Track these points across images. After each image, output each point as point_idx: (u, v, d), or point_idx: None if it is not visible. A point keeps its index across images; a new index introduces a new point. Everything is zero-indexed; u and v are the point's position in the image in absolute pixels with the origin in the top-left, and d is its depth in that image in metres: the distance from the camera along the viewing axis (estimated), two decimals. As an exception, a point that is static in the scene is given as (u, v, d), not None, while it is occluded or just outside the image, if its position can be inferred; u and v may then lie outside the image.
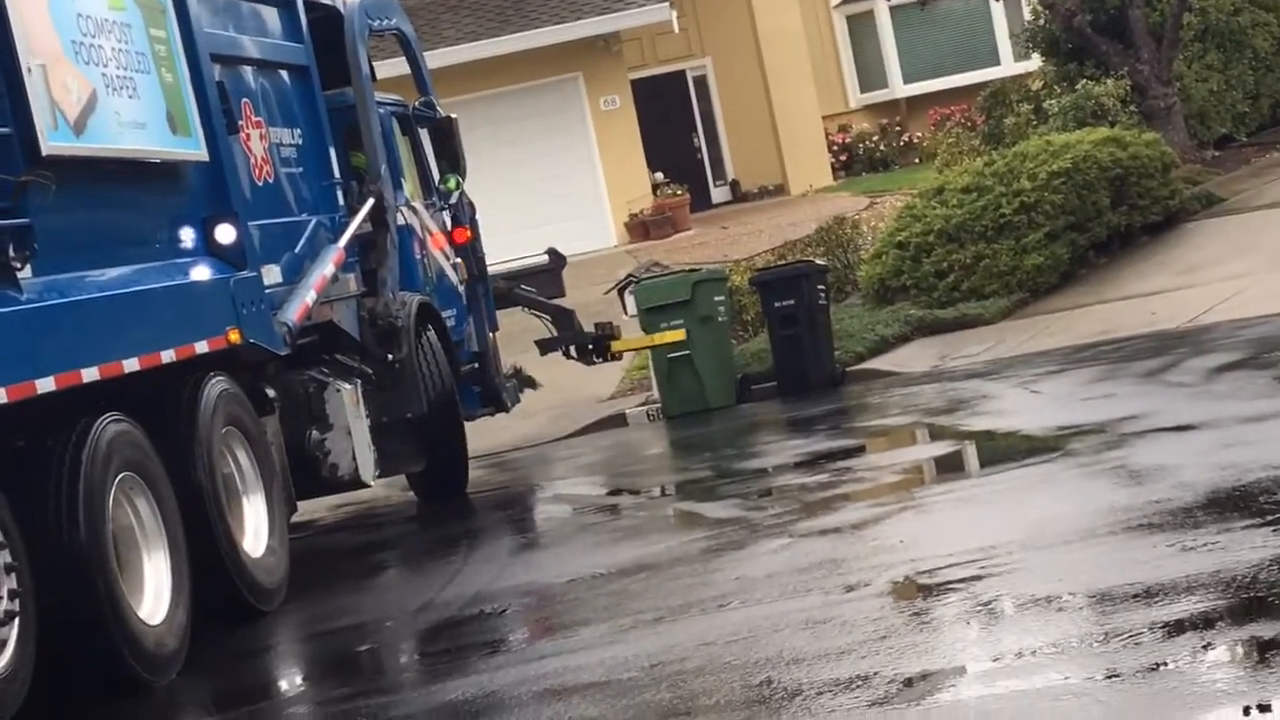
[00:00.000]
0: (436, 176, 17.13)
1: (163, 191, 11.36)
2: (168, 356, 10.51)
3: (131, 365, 10.02)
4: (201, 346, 11.05)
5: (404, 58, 17.52)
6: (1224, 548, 8.68)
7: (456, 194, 17.06)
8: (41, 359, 9.17)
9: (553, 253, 19.15)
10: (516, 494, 16.59)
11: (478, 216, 17.62)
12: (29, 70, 9.40)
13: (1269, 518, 9.18)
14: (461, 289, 17.11)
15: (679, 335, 19.12)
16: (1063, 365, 16.93)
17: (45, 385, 9.12)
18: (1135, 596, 8.04)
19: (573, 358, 19.29)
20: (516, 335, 19.39)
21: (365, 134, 15.08)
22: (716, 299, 19.51)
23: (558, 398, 19.79)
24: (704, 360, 19.16)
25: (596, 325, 19.31)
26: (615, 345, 19.24)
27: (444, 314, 16.16)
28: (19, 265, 9.18)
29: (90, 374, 9.54)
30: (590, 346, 19.16)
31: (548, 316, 19.07)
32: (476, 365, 17.10)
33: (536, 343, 19.25)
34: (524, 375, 18.33)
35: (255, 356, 12.10)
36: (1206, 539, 8.96)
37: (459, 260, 17.11)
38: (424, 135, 17.01)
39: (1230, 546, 8.68)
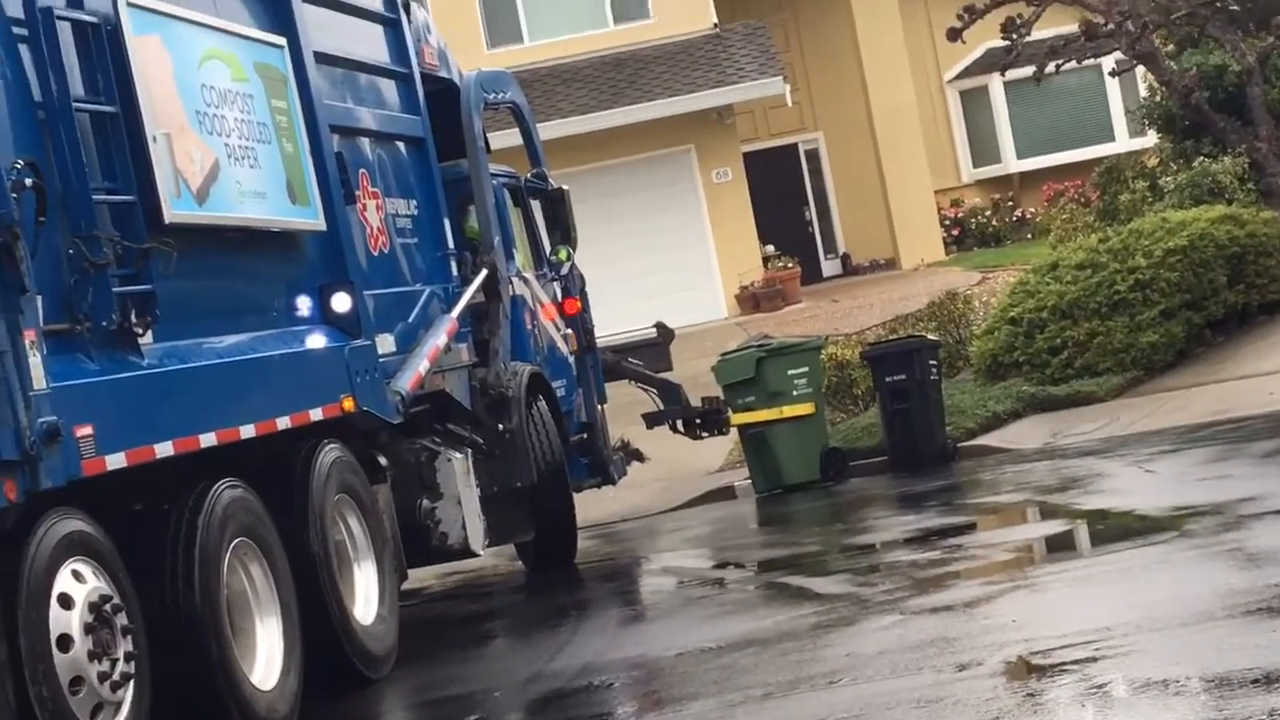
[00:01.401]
0: (548, 247, 17.23)
1: (281, 260, 11.47)
2: (283, 423, 10.61)
3: (248, 431, 10.13)
4: (316, 414, 11.13)
5: (517, 129, 17.67)
6: (1346, 634, 8.54)
7: (567, 265, 17.15)
8: (161, 424, 9.28)
9: (660, 327, 19.18)
10: (624, 565, 16.57)
11: (588, 288, 17.70)
12: (154, 139, 9.56)
13: (1396, 606, 9.03)
14: (571, 360, 17.17)
15: (807, 408, 19.00)
16: (1178, 444, 16.75)
17: (164, 450, 9.23)
18: (1255, 682, 7.91)
19: (679, 432, 19.28)
20: (624, 408, 19.39)
21: (479, 205, 15.21)
22: (792, 372, 19.33)
23: (665, 470, 19.78)
24: (779, 435, 19.08)
25: (704, 399, 19.31)
26: (734, 418, 19.19)
27: (554, 384, 16.22)
28: (141, 331, 9.30)
29: (208, 439, 9.66)
30: (697, 421, 19.15)
31: (655, 390, 19.09)
32: (585, 436, 17.13)
33: (644, 416, 19.27)
34: (631, 449, 18.35)
35: (368, 424, 12.16)
36: (1330, 627, 8.81)
37: (569, 331, 17.19)
38: (536, 206, 17.12)
39: (1357, 636, 8.53)
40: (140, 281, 9.35)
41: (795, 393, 19.16)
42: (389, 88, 14.25)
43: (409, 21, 14.70)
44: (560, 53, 32.30)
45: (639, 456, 18.42)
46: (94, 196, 9.12)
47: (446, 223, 14.56)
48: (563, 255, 17.06)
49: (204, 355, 10.05)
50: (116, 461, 8.81)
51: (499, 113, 17.83)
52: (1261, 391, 18.49)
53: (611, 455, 17.49)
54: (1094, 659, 8.90)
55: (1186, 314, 20.77)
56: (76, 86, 9.26)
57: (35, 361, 8.25)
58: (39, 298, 8.49)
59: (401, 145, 14.20)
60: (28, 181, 8.36)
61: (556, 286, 17.16)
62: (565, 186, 17.44)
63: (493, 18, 32.75)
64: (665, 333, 19.10)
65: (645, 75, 31.86)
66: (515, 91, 17.18)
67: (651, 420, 19.23)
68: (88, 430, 8.58)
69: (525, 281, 16.33)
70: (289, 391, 10.90)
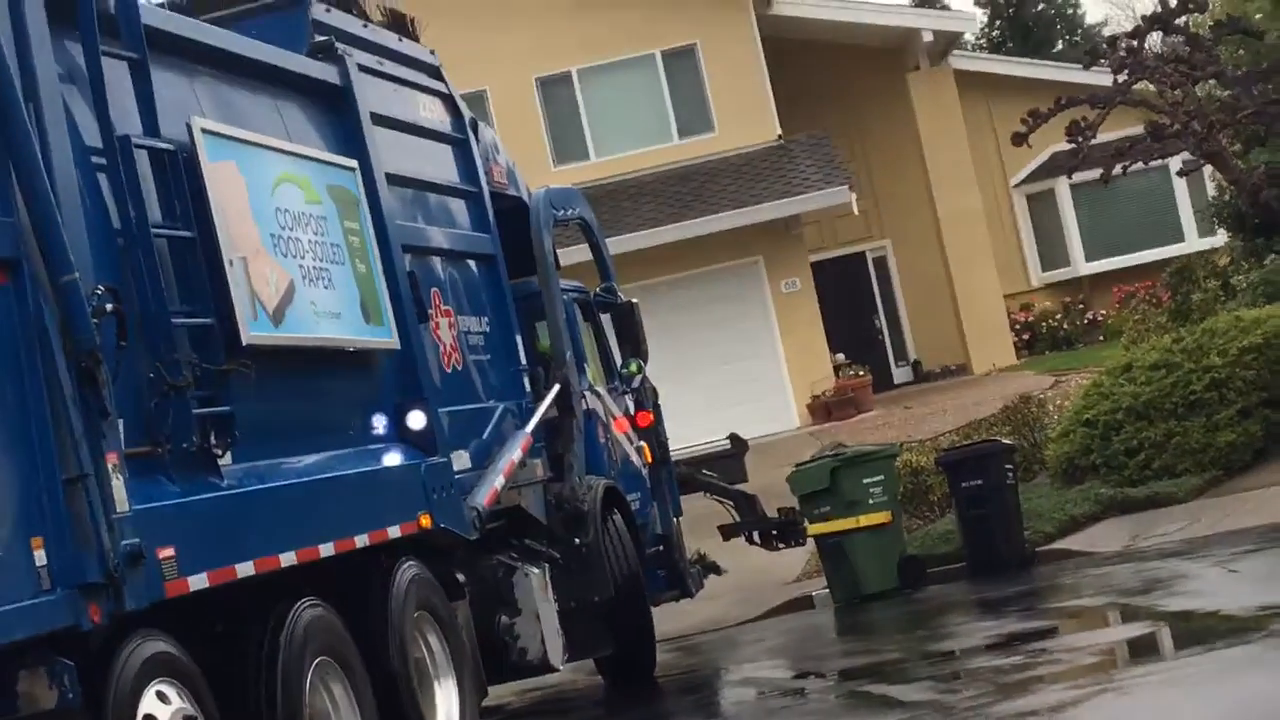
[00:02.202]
0: (619, 361, 17.29)
1: (356, 379, 11.55)
2: (361, 541, 10.64)
3: (327, 550, 10.16)
4: (394, 531, 11.17)
5: (586, 245, 17.77)
6: None
7: (639, 378, 17.20)
8: (241, 544, 9.34)
9: (734, 438, 19.18)
10: (704, 677, 16.51)
11: (660, 400, 17.73)
12: (230, 263, 9.67)
13: None
14: (645, 473, 17.18)
15: (883, 517, 18.95)
16: (1260, 544, 16.57)
17: (245, 570, 9.27)
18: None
19: (755, 543, 19.22)
20: (700, 519, 19.38)
21: (550, 321, 15.30)
22: (868, 480, 19.27)
23: (742, 580, 19.71)
24: (856, 544, 18.98)
25: (780, 510, 19.26)
26: (811, 529, 19.14)
27: (629, 498, 16.22)
28: (220, 452, 9.39)
29: (288, 559, 9.70)
30: (774, 532, 19.10)
31: (730, 502, 19.07)
32: (661, 549, 17.09)
33: (720, 528, 19.24)
34: (708, 561, 18.32)
35: (446, 541, 12.18)
36: None
37: (642, 444, 17.21)
38: (606, 320, 17.20)
39: None
40: (219, 403, 9.45)
41: (871, 501, 19.07)
42: (459, 206, 14.39)
43: (477, 141, 14.87)
44: (626, 168, 32.54)
45: (716, 569, 18.39)
46: (173, 320, 9.25)
47: (518, 339, 14.65)
48: (634, 369, 17.12)
49: (282, 475, 10.12)
50: (199, 582, 8.86)
51: (568, 228, 17.95)
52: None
53: (688, 568, 17.46)
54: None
55: (1264, 412, 20.59)
56: (154, 212, 9.39)
57: (118, 484, 8.33)
58: (120, 421, 8.58)
59: (472, 263, 14.30)
60: (108, 307, 8.48)
61: (629, 400, 17.20)
62: (635, 300, 17.52)
63: (559, 136, 33.05)
64: (739, 444, 19.11)
65: (711, 188, 32.01)
66: (583, 207, 17.31)
67: (728, 532, 19.21)
68: (170, 552, 8.64)
69: (598, 396, 16.39)
70: (367, 509, 10.94)
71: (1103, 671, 12.31)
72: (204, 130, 9.80)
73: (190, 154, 9.71)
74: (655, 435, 17.46)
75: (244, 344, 9.69)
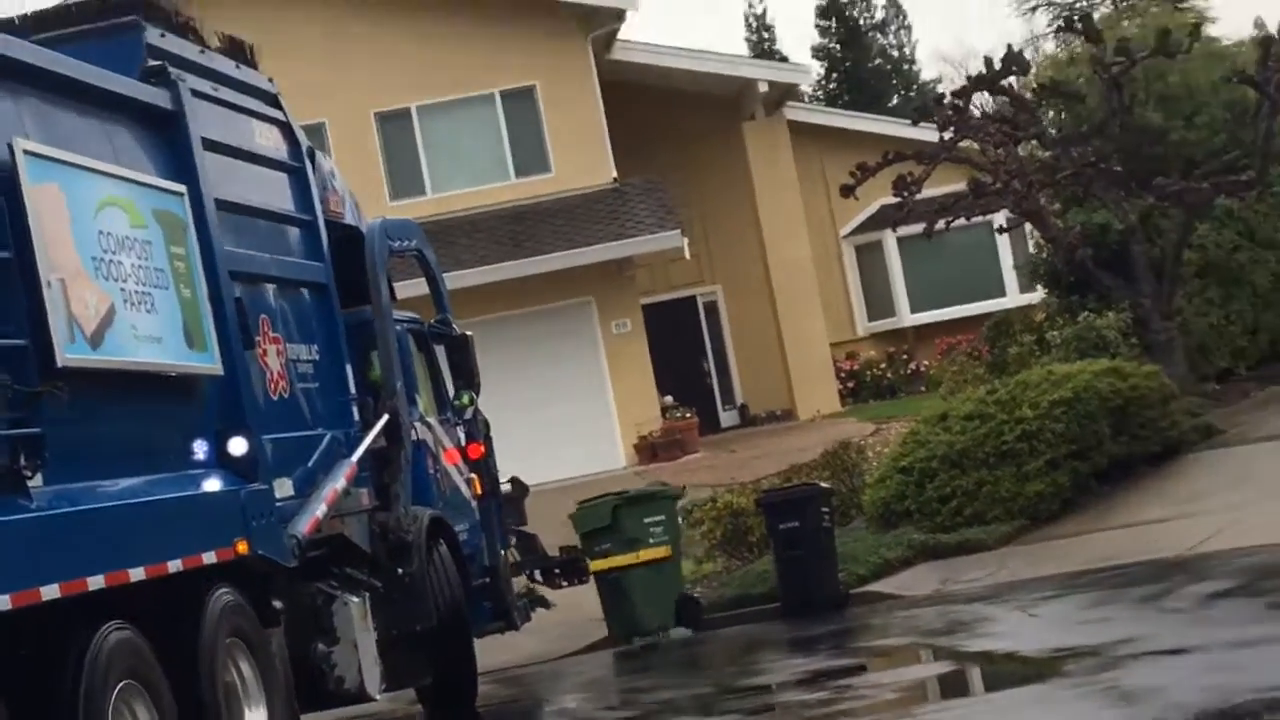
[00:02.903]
0: (452, 392, 17.19)
1: (178, 403, 11.38)
2: (175, 566, 10.46)
3: (138, 574, 9.97)
4: (209, 557, 11.00)
5: (423, 277, 17.67)
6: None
7: (470, 410, 17.13)
8: (48, 567, 9.12)
9: (515, 481, 19.03)
10: (523, 709, 16.51)
11: (491, 433, 17.65)
12: (48, 284, 9.50)
13: (1255, 739, 9.17)
14: (475, 504, 17.11)
15: (663, 551, 19.08)
16: (1062, 590, 16.88)
17: (50, 593, 9.07)
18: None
19: (538, 582, 19.14)
20: (550, 546, 19.37)
21: (382, 351, 15.17)
22: (649, 520, 19.38)
23: (567, 615, 19.68)
24: (634, 581, 19.10)
25: (562, 549, 19.21)
26: (592, 565, 19.14)
27: (457, 528, 16.13)
28: (29, 474, 9.20)
29: (96, 582, 9.50)
30: (556, 571, 19.03)
31: (512, 541, 18.96)
32: (488, 580, 17.02)
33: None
34: (536, 595, 18.27)
35: (264, 568, 12.02)
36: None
37: (473, 476, 17.13)
38: (441, 353, 17.11)
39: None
40: (29, 425, 9.26)
41: (652, 540, 19.25)
42: (292, 234, 14.24)
43: (314, 170, 14.74)
44: (463, 205, 32.46)
45: (544, 603, 18.34)
46: (-19, 340, 9.08)
47: (349, 368, 14.49)
48: (465, 400, 17.06)
49: (95, 498, 9.92)
50: (1, 604, 8.66)
51: (406, 260, 17.85)
52: (1144, 539, 18.64)
53: (515, 600, 17.39)
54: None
55: (1072, 464, 20.92)
56: (-30, 233, 9.22)
57: (-88, 504, 8.15)
58: (-80, 441, 8.41)
59: (304, 291, 14.15)
60: None
61: (461, 431, 17.12)
62: (469, 333, 17.46)
63: (396, 171, 32.92)
64: (520, 487, 18.97)
65: (546, 228, 32.03)
66: (420, 240, 17.23)
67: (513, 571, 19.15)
68: (-35, 573, 8.46)
69: (428, 426, 16.31)
70: (181, 535, 10.77)
71: (902, 707, 12.54)
72: (26, 151, 9.63)
73: (11, 174, 9.54)
74: (486, 467, 17.41)
75: (59, 366, 9.51)
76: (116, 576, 9.73)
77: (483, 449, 17.32)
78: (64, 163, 10.08)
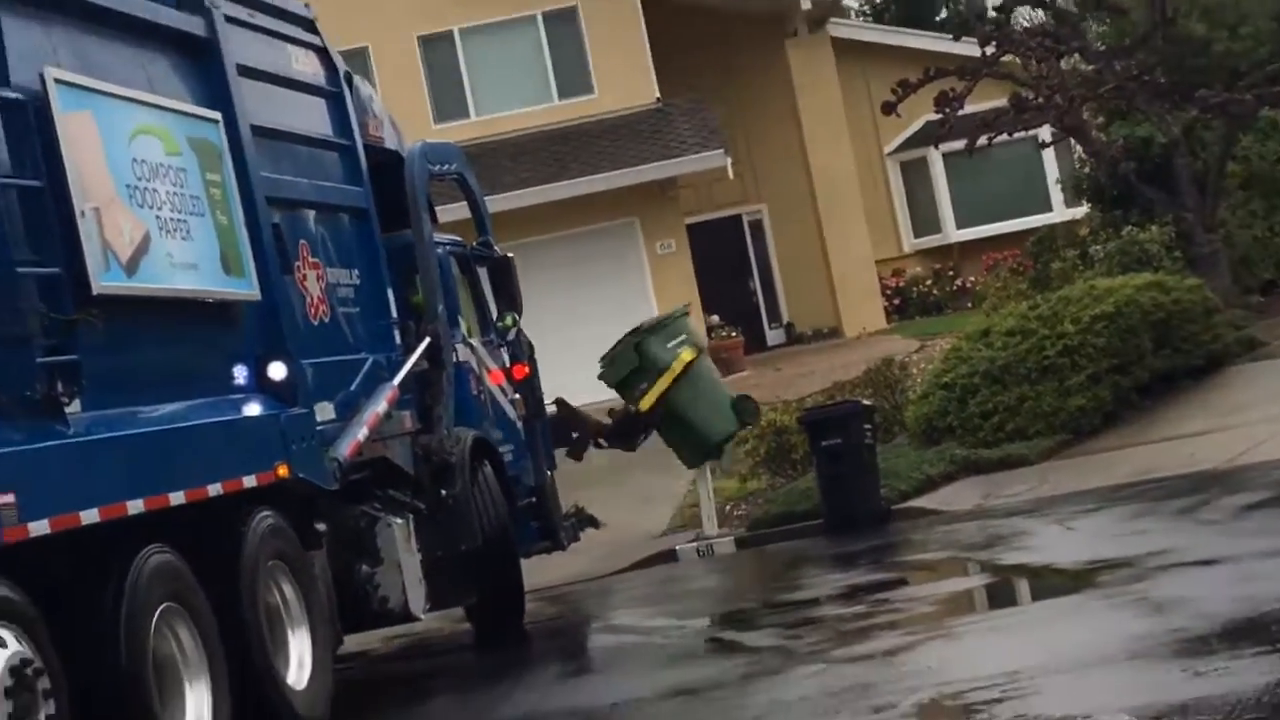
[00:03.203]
0: (495, 314, 17.20)
1: (215, 330, 11.43)
2: (215, 490, 10.55)
3: (177, 498, 10.06)
4: (249, 481, 11.08)
5: (465, 201, 17.68)
6: (1234, 673, 8.89)
7: (514, 331, 17.14)
8: (86, 491, 9.22)
9: (560, 402, 19.02)
10: (568, 625, 16.66)
11: (536, 355, 17.67)
12: (82, 214, 9.54)
13: (1278, 645, 9.37)
14: (520, 425, 17.12)
15: (690, 354, 19.07)
16: (1101, 504, 16.91)
17: (90, 517, 9.17)
18: (1153, 719, 8.23)
19: (604, 446, 19.07)
20: (582, 473, 19.43)
21: (423, 275, 15.16)
22: (671, 343, 19.29)
23: (611, 535, 19.78)
24: (683, 401, 19.06)
25: (610, 412, 19.19)
26: (642, 402, 19.06)
27: (502, 449, 16.16)
28: (66, 400, 9.28)
29: (135, 506, 9.59)
30: (616, 429, 18.97)
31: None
32: (534, 500, 17.04)
33: (568, 454, 19.09)
34: (585, 514, 18.29)
35: (306, 491, 12.09)
36: (1218, 664, 9.18)
37: (517, 396, 17.13)
38: (483, 274, 17.11)
39: (1240, 672, 8.89)
40: (66, 352, 9.32)
41: (685, 355, 19.17)
42: (331, 159, 14.21)
43: (352, 95, 14.71)
44: (506, 127, 32.37)
45: (593, 522, 18.37)
46: (18, 270, 9.11)
47: (389, 292, 14.48)
48: (508, 322, 17.04)
49: (134, 423, 10.00)
50: (40, 529, 8.75)
51: (449, 184, 17.83)
52: (1184, 453, 18.63)
53: (562, 520, 17.45)
54: (1001, 700, 9.20)
55: (1114, 378, 20.85)
56: (3, 162, 9.25)
57: (-49, 430, 8.25)
58: (-42, 368, 8.50)
59: (344, 216, 14.12)
60: None
61: (504, 353, 17.13)
62: (511, 254, 17.44)
63: (439, 94, 32.86)
64: (565, 409, 18.97)
65: (589, 149, 31.94)
66: (461, 163, 17.17)
67: (576, 450, 19.13)
68: (9, 498, 8.51)
69: (471, 348, 16.30)
70: (221, 458, 10.85)
71: (937, 620, 12.65)
72: (57, 80, 9.66)
73: (43, 104, 9.56)
74: (530, 388, 17.40)
75: (94, 294, 9.57)
76: (156, 500, 9.82)
77: (527, 370, 17.33)
78: (96, 91, 10.11)
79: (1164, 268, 23.84)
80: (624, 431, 19.16)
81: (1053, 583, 13.36)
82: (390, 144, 15.60)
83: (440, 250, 15.85)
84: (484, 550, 14.97)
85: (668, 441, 19.67)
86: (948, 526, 17.62)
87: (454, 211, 18.89)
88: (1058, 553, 14.80)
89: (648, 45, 32.89)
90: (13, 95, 9.40)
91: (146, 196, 10.36)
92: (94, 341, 9.58)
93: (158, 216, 10.45)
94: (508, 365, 17.10)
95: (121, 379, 10.04)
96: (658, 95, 32.90)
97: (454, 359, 15.30)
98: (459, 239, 16.98)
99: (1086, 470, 19.05)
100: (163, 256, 10.43)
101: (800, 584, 16.50)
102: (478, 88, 32.92)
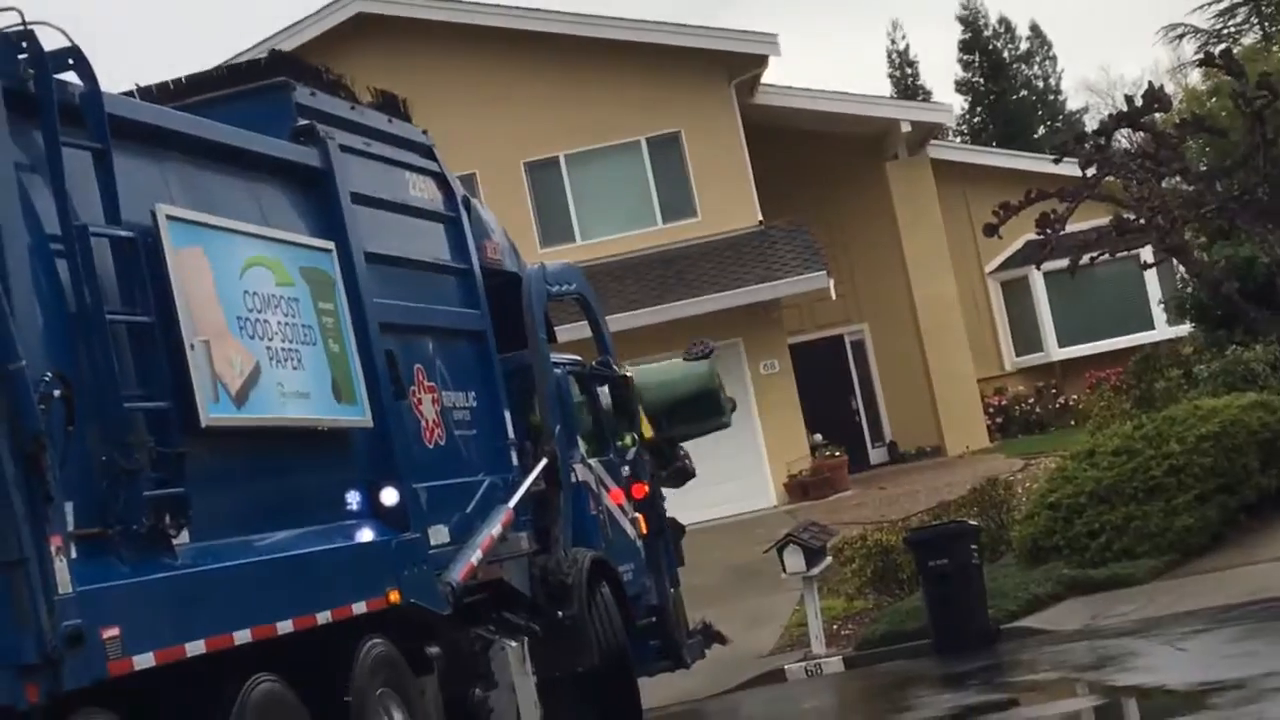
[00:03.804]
0: (615, 433, 16.95)
1: (327, 456, 11.24)
2: (324, 618, 10.32)
3: (285, 627, 9.85)
4: (359, 607, 10.86)
5: (585, 320, 17.44)
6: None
7: (633, 450, 16.91)
8: (193, 622, 9.04)
9: (670, 521, 18.70)
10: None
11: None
12: (191, 346, 9.42)
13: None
14: (640, 544, 16.82)
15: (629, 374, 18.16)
16: (1210, 624, 16.52)
17: (195, 649, 8.97)
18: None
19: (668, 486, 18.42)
20: (708, 590, 19.10)
21: (540, 395, 14.96)
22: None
23: (717, 654, 19.41)
24: (658, 396, 18.21)
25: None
26: (644, 432, 17.76)
27: (621, 568, 15.82)
28: (174, 532, 9.11)
29: (242, 636, 9.39)
30: (668, 477, 18.29)
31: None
32: (655, 620, 16.72)
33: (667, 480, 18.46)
34: (713, 630, 17.97)
35: (417, 615, 11.86)
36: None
37: (638, 515, 16.87)
38: (603, 393, 16.89)
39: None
40: (174, 484, 9.16)
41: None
42: (447, 283, 14.05)
43: (469, 218, 14.57)
44: (611, 251, 32.30)
45: (720, 639, 18.07)
46: (126, 405, 8.98)
47: (507, 413, 14.26)
48: (628, 441, 16.87)
49: (242, 553, 9.80)
50: (144, 661, 8.56)
51: (570, 304, 17.64)
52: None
53: (685, 638, 17.12)
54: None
55: (1221, 498, 20.41)
56: (114, 298, 9.17)
57: (60, 566, 8.08)
58: (70, 504, 8.35)
59: (460, 338, 13.95)
60: (56, 393, 8.27)
61: (625, 471, 16.87)
62: (630, 374, 17.25)
63: (546, 218, 32.88)
64: (675, 528, 18.63)
65: (693, 271, 31.82)
66: (581, 283, 17.07)
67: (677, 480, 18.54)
68: (114, 631, 8.35)
69: (589, 468, 16.03)
70: (331, 586, 10.64)
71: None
72: (169, 216, 9.58)
73: (154, 239, 9.47)
74: (652, 506, 17.14)
75: (203, 426, 9.43)
76: (263, 630, 9.62)
77: (647, 488, 17.09)
78: (208, 225, 10.02)
79: (1269, 387, 23.33)
80: (666, 468, 18.52)
81: (1165, 704, 13.12)
82: (509, 266, 15.46)
83: (559, 370, 15.68)
84: (601, 671, 14.68)
85: (692, 433, 19.01)
86: (1056, 647, 17.25)
87: (576, 330, 18.69)
88: (1169, 674, 14.53)
89: (750, 169, 32.83)
90: (124, 233, 9.33)
91: (257, 328, 10.23)
92: (202, 473, 9.42)
93: (268, 347, 10.31)
94: (628, 484, 16.82)
95: (231, 509, 9.88)
96: (760, 218, 32.79)
97: (572, 479, 15.08)
98: (579, 358, 16.81)
99: (1195, 590, 18.59)
100: (273, 387, 10.28)
101: (911, 705, 16.19)
102: (583, 212, 32.94)
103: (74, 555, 8.26)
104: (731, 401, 19.27)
